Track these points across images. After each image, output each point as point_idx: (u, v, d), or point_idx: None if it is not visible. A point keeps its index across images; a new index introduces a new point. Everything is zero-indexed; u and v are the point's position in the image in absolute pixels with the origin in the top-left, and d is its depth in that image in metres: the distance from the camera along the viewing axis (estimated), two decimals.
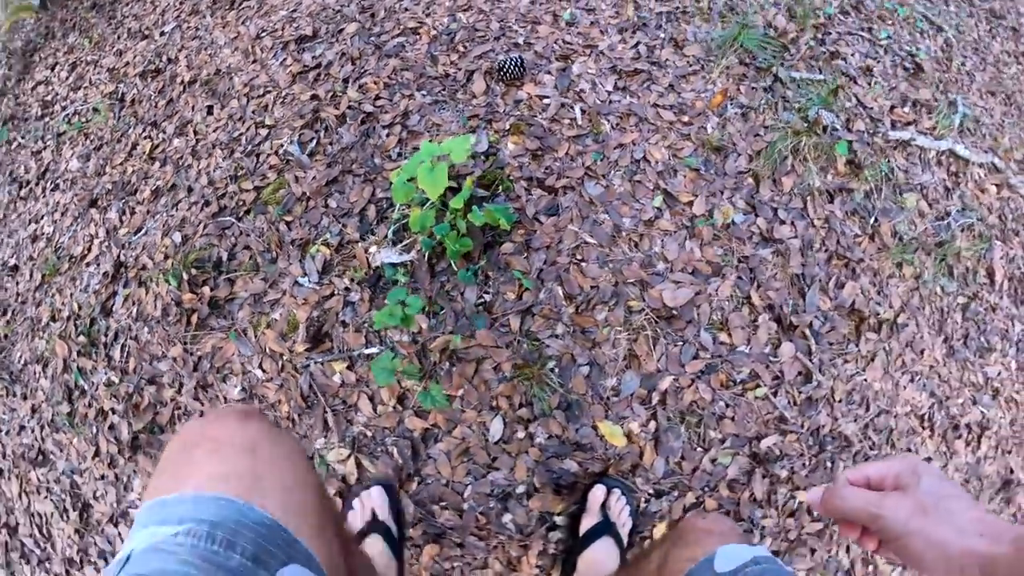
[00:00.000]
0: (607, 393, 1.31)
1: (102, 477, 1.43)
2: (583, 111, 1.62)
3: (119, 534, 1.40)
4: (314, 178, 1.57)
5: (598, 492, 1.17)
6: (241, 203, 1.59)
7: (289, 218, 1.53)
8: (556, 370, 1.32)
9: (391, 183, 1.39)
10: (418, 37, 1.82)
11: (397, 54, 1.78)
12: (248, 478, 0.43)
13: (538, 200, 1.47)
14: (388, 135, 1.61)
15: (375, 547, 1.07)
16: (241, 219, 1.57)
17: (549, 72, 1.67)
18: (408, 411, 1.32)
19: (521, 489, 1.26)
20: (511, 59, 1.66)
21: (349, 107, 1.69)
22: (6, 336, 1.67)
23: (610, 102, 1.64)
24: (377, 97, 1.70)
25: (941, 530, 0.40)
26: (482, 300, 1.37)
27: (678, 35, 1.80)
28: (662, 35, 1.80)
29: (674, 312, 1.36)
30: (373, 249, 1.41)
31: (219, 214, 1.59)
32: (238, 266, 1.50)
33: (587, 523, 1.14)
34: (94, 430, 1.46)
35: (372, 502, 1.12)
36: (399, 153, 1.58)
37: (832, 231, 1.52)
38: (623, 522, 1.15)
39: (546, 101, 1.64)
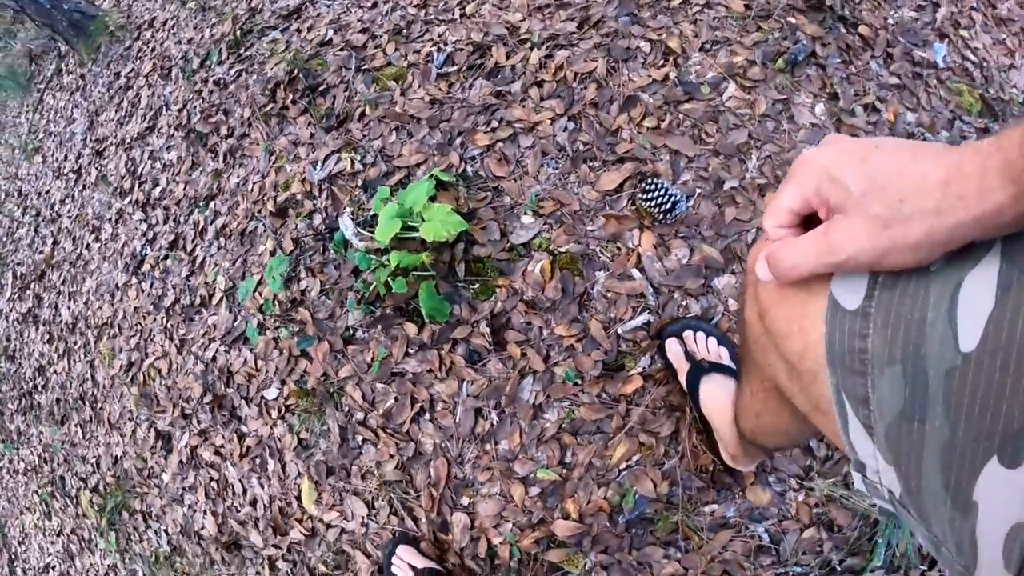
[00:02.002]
0: (340, 462, 1.15)
1: (177, 127, 1.62)
2: (642, 338, 1.04)
3: (166, 169, 1.64)
4: (412, 100, 1.26)
5: (673, 347, 0.97)
6: (371, 58, 1.36)
7: (368, 111, 1.29)
8: (323, 426, 1.15)
9: (432, 174, 1.07)
10: (659, 65, 1.17)
11: (618, 60, 1.19)
12: None
13: (473, 338, 1.08)
14: (489, 128, 1.19)
15: None
16: (356, 72, 1.36)
17: (701, 275, 1.04)
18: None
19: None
20: (668, 192, 1.04)
21: (513, 67, 1.23)
22: None
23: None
24: (541, 83, 1.21)
25: (911, 230, 0.27)
26: (347, 330, 1.16)
27: None
28: None
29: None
30: (349, 210, 1.18)
31: (357, 51, 1.38)
32: (317, 106, 1.36)
33: (682, 378, 0.95)
34: (191, 96, 1.61)
35: (404, 559, 1.05)
36: (472, 157, 1.18)
37: None
38: (715, 354, 0.94)
39: (631, 283, 1.06)
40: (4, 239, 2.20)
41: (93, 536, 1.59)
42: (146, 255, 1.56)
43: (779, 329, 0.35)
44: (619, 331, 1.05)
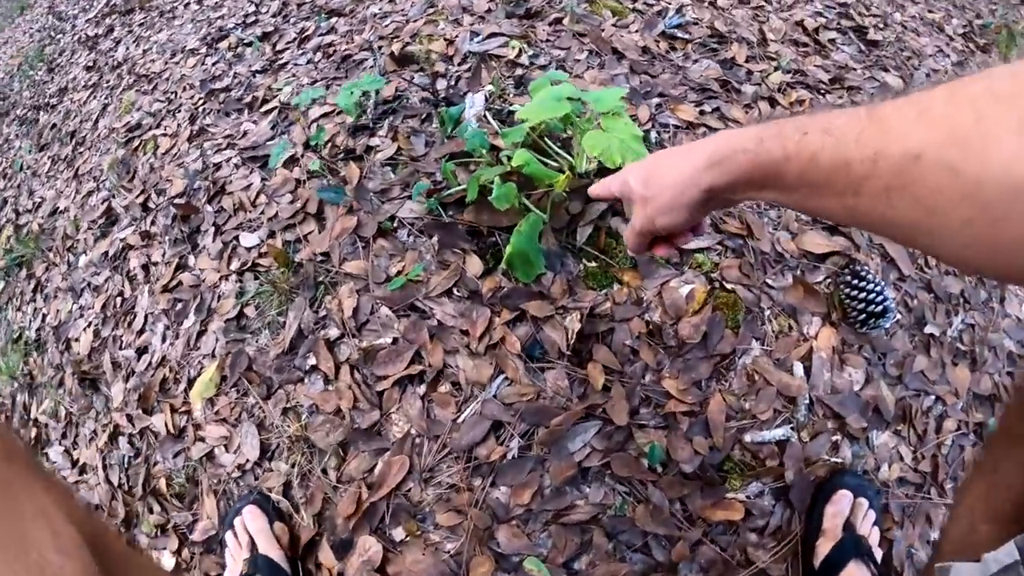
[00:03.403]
0: (269, 375, 0.65)
1: None
2: (768, 456, 0.58)
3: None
4: (622, 36, 0.87)
5: (843, 504, 0.57)
6: None
7: (566, 21, 0.90)
8: (279, 316, 0.67)
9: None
10: None
11: None
12: None
13: (549, 326, 0.62)
14: (699, 108, 0.78)
15: None
16: None
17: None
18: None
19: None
20: (884, 296, 0.63)
21: (750, 72, 0.86)
22: None
23: None
24: (773, 102, 0.82)
25: (661, 200, 0.33)
26: (392, 220, 0.70)
27: None
28: None
29: None
30: (489, 89, 0.76)
31: None
32: None
33: (825, 547, 0.56)
34: None
35: (249, 528, 0.60)
36: (665, 124, 0.77)
37: None
38: (875, 541, 0.59)
39: (788, 379, 0.62)
40: None
41: None
42: (231, 34, 1.12)
43: None
44: (745, 433, 0.59)
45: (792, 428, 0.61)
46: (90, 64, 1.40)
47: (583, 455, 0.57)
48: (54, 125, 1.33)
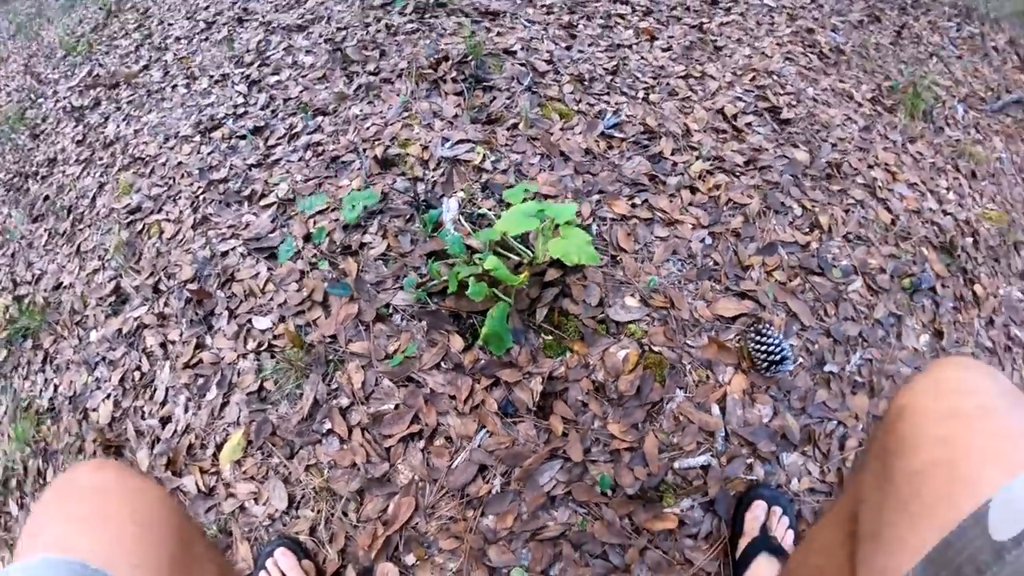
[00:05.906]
0: (290, 438, 0.86)
1: None
2: (694, 478, 0.85)
3: None
4: (568, 140, 1.16)
5: (758, 511, 0.82)
6: (546, 86, 1.29)
7: (521, 126, 1.18)
8: (297, 389, 0.89)
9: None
10: (804, 231, 1.09)
11: (771, 207, 1.11)
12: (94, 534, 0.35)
13: (519, 389, 0.87)
14: (631, 202, 1.07)
15: None
16: (526, 90, 1.27)
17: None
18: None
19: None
20: (782, 346, 0.90)
21: (675, 164, 1.15)
22: None
23: None
24: (694, 189, 1.11)
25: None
26: (387, 308, 0.94)
27: None
28: None
29: None
30: (461, 195, 1.02)
31: (536, 74, 1.31)
32: (474, 96, 1.26)
33: (743, 543, 0.81)
34: (357, 23, 1.50)
35: (280, 566, 0.76)
36: (604, 218, 1.05)
37: None
38: (788, 545, 0.81)
39: (707, 417, 0.89)
40: (104, 39, 1.99)
41: None
42: (224, 124, 1.36)
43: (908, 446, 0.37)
44: (675, 461, 0.85)
45: (712, 456, 0.87)
46: (80, 138, 1.60)
47: (550, 487, 0.81)
48: (47, 197, 1.50)
